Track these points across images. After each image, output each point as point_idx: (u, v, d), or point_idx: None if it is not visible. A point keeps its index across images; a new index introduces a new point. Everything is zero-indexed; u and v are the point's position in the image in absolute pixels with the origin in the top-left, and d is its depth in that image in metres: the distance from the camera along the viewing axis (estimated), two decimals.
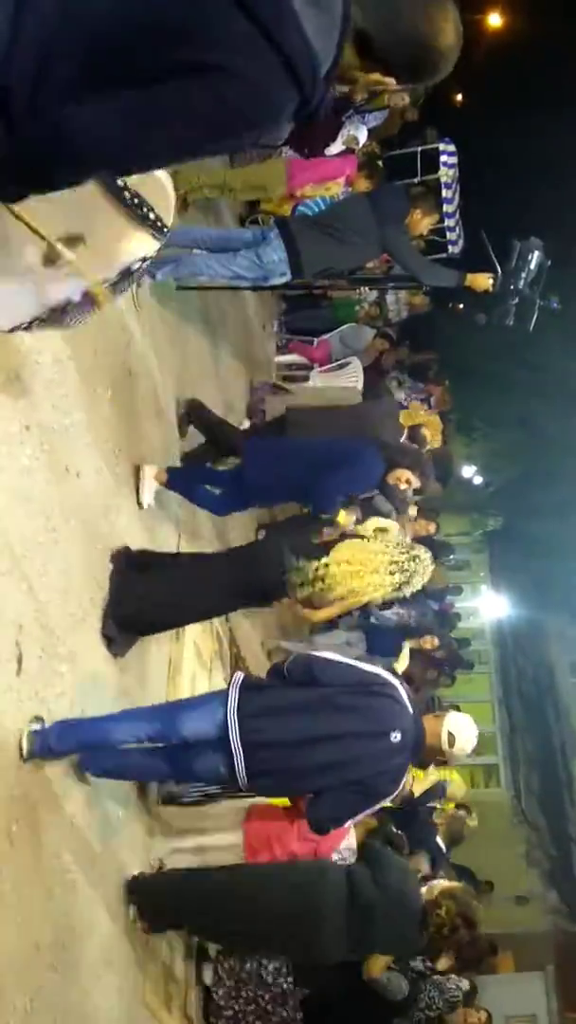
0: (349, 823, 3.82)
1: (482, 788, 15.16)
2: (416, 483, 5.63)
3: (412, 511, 6.39)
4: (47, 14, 1.57)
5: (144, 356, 4.79)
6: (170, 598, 4.08)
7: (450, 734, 3.66)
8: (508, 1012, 11.39)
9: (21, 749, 2.89)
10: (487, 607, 16.84)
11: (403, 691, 3.62)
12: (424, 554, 4.25)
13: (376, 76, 1.78)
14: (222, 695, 3.41)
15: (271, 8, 1.58)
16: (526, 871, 14.31)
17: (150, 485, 4.44)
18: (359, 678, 3.57)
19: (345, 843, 4.21)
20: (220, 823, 4.24)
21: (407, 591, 4.20)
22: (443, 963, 4.23)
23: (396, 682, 3.65)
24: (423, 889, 4.10)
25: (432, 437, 5.84)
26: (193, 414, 5.47)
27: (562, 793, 15.21)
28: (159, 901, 3.77)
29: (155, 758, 3.52)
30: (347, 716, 3.45)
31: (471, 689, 14.89)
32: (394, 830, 4.29)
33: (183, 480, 4.80)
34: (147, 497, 4.44)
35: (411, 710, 3.59)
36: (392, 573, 4.09)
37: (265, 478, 5.01)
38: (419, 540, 7.38)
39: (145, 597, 3.87)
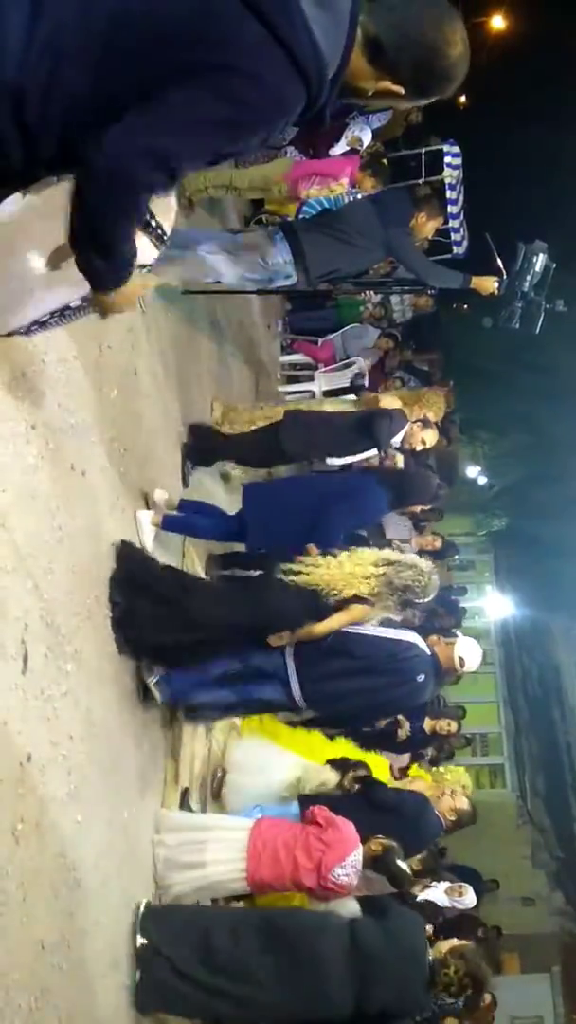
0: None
1: (487, 789, 15.13)
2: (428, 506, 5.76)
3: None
4: (62, 19, 1.59)
5: (149, 356, 4.80)
6: (187, 644, 4.12)
7: (460, 658, 4.90)
8: (514, 1014, 11.38)
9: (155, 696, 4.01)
10: (492, 607, 16.81)
11: (421, 643, 4.69)
12: (422, 563, 4.28)
13: (385, 85, 1.78)
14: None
15: (280, 10, 1.60)
16: (532, 872, 14.28)
17: (149, 530, 4.37)
18: (388, 650, 4.50)
19: (351, 858, 4.11)
20: (225, 833, 4.23)
21: (402, 595, 4.19)
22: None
23: (415, 639, 4.68)
24: (431, 949, 3.97)
25: (435, 414, 5.95)
26: (193, 452, 5.42)
27: (568, 794, 15.18)
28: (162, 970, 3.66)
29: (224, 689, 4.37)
30: (382, 676, 4.46)
31: (477, 689, 14.85)
32: (399, 864, 4.22)
33: (179, 521, 4.74)
34: (148, 540, 4.38)
35: (429, 652, 4.69)
36: (378, 565, 4.14)
37: (267, 535, 4.93)
38: (424, 554, 7.39)
39: (160, 645, 3.96)
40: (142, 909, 3.70)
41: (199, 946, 3.72)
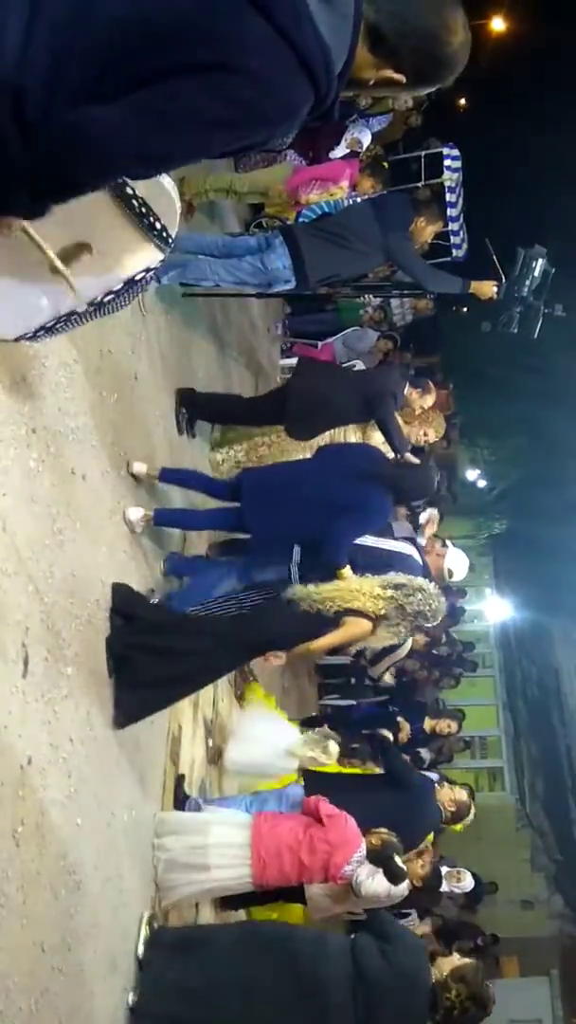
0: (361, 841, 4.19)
1: (487, 792, 15.12)
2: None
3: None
4: (61, 18, 1.58)
5: (150, 360, 4.81)
6: (181, 672, 4.05)
7: (449, 569, 5.50)
8: (513, 1017, 11.37)
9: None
10: (492, 610, 16.81)
11: (416, 551, 5.21)
12: (428, 585, 4.29)
13: (386, 73, 1.78)
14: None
15: (287, 8, 1.59)
16: (531, 875, 14.28)
17: (138, 525, 4.29)
18: (384, 559, 4.86)
19: (357, 855, 4.15)
20: (225, 836, 4.23)
21: (414, 620, 4.22)
22: None
23: (412, 550, 5.17)
24: (433, 968, 3.96)
25: (431, 389, 6.01)
26: (188, 406, 5.42)
27: (567, 797, 15.17)
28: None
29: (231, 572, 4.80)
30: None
31: (476, 692, 14.87)
32: (397, 861, 4.23)
33: (172, 516, 4.70)
34: (137, 526, 4.30)
35: (422, 562, 5.18)
36: (385, 588, 4.17)
37: (266, 531, 4.86)
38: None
39: (155, 683, 3.86)
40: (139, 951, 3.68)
41: (198, 976, 3.71)
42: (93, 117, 1.59)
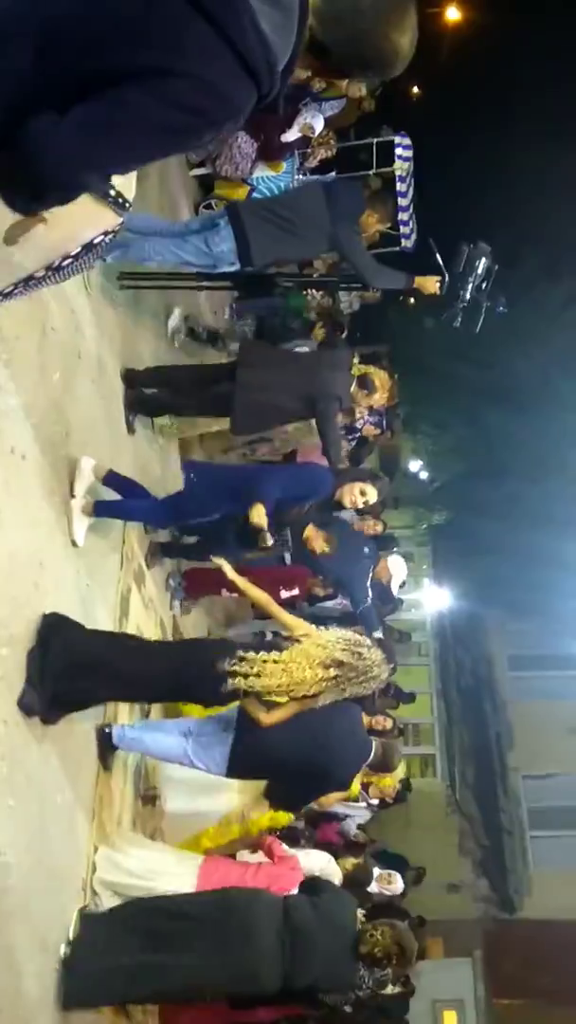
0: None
1: (418, 778, 15.34)
2: (372, 494, 5.73)
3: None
4: (5, 10, 1.56)
5: (94, 338, 4.75)
6: (102, 682, 3.89)
7: (391, 575, 6.86)
8: (436, 997, 11.65)
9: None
10: (429, 600, 17.03)
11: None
12: (372, 653, 4.05)
13: (325, 77, 1.83)
14: None
15: (227, 9, 1.59)
16: (458, 860, 14.57)
17: (81, 522, 4.19)
18: None
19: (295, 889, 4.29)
20: (172, 862, 4.25)
21: (352, 689, 3.99)
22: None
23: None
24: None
25: (381, 385, 6.07)
26: (137, 392, 5.43)
27: (496, 784, 15.50)
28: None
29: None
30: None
31: (410, 680, 15.01)
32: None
33: (110, 506, 4.56)
34: (80, 534, 4.19)
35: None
36: (327, 667, 3.93)
37: (201, 499, 5.08)
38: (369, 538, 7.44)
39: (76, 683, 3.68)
40: (73, 922, 3.69)
41: (135, 932, 3.75)
42: (41, 131, 1.59)
